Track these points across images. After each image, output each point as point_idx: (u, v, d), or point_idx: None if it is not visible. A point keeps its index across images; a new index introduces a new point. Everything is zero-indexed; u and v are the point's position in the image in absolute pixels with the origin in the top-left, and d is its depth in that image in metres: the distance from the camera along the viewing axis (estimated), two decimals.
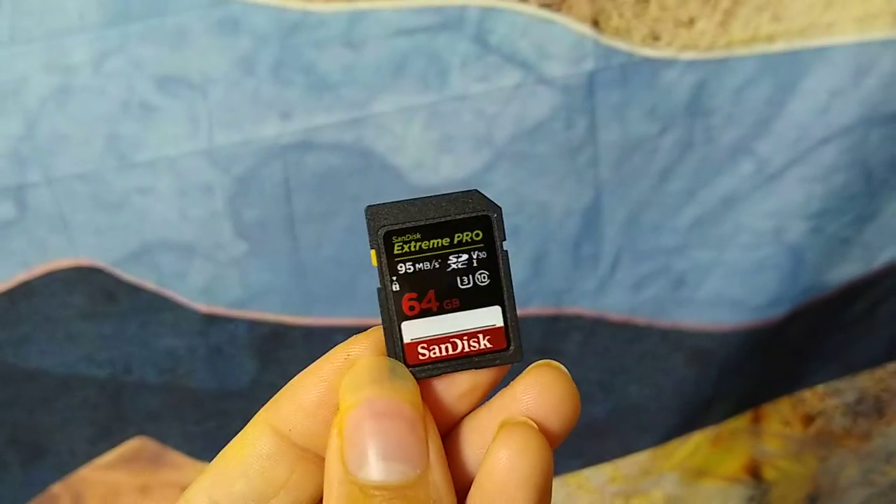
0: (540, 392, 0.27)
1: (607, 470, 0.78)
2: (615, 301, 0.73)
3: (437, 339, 0.28)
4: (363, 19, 0.65)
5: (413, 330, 0.28)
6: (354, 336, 0.28)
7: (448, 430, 0.29)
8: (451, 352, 0.28)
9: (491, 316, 0.28)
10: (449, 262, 0.28)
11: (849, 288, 0.75)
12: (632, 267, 0.72)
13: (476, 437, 0.28)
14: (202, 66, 0.64)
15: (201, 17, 0.63)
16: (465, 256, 0.28)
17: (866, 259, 0.74)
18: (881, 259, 0.74)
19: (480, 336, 0.28)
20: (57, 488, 0.73)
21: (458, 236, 0.28)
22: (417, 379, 0.27)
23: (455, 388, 0.28)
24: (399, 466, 0.25)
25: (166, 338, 0.70)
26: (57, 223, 0.67)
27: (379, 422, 0.25)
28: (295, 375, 0.28)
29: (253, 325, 0.71)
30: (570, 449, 0.77)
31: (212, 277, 0.69)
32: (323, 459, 0.26)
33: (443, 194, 0.28)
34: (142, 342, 0.70)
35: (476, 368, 0.28)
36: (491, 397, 0.28)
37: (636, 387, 0.76)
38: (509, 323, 0.28)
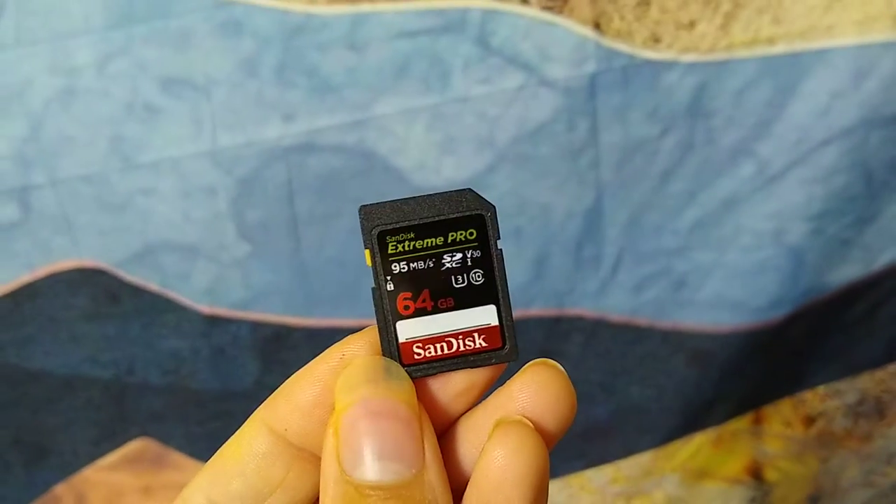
0: (536, 391, 0.27)
1: (609, 471, 0.78)
2: (616, 302, 0.73)
3: (433, 338, 0.28)
4: (366, 22, 0.65)
5: (408, 329, 0.28)
6: (349, 336, 0.28)
7: (444, 430, 0.29)
8: (446, 351, 0.28)
9: (486, 315, 0.28)
10: (443, 261, 0.28)
11: (849, 289, 0.75)
12: (633, 268, 0.72)
13: (472, 437, 0.28)
14: (206, 68, 0.65)
15: (205, 20, 0.64)
16: (459, 255, 0.28)
17: (867, 261, 0.74)
18: (881, 260, 0.74)
19: (476, 335, 0.28)
20: (60, 489, 0.73)
21: (452, 235, 0.28)
22: (413, 378, 0.27)
23: (451, 387, 0.28)
24: (394, 466, 0.25)
25: (169, 339, 0.70)
26: (61, 224, 0.67)
27: (374, 421, 0.25)
28: None
29: (256, 326, 0.71)
30: (572, 450, 0.77)
31: (215, 278, 0.69)
32: (319, 459, 0.27)
33: (436, 193, 0.28)
34: (145, 343, 0.70)
35: (471, 367, 0.28)
36: (487, 396, 0.28)
37: (637, 388, 0.76)
38: (504, 322, 0.28)
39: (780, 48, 0.67)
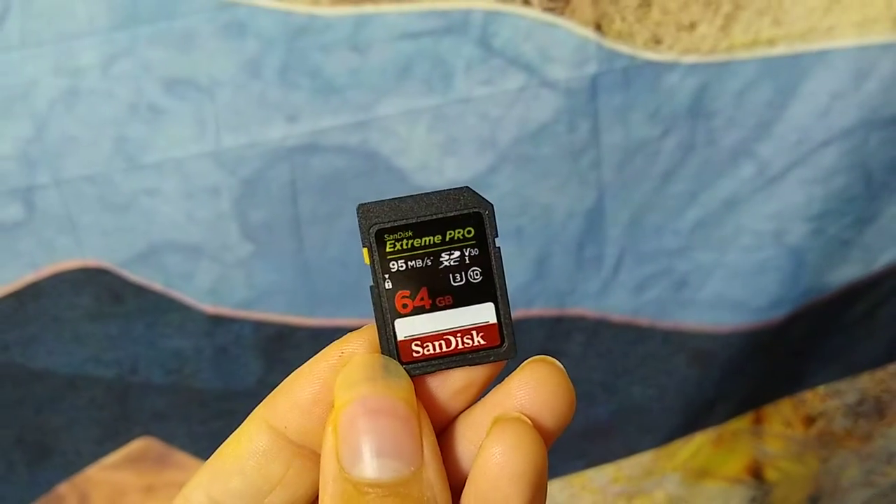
0: (534, 388, 0.27)
1: (610, 470, 0.78)
2: (618, 302, 0.74)
3: (431, 336, 0.28)
4: (369, 23, 0.65)
5: (406, 327, 0.28)
6: (348, 334, 0.28)
7: (444, 428, 0.29)
8: (444, 349, 0.28)
9: (484, 313, 0.28)
10: (441, 259, 0.28)
11: (849, 289, 0.75)
12: (634, 268, 0.72)
13: (471, 434, 0.28)
14: (209, 69, 0.65)
15: (209, 21, 0.64)
16: (457, 253, 0.28)
17: (866, 261, 0.74)
18: (881, 261, 0.74)
19: (474, 333, 0.28)
20: (63, 488, 0.74)
21: (450, 233, 0.28)
22: (411, 376, 0.27)
23: (449, 385, 0.28)
24: (393, 464, 0.25)
25: (172, 338, 0.71)
26: (65, 224, 0.67)
27: (373, 419, 0.26)
28: None
29: (259, 325, 0.71)
30: (573, 449, 0.77)
31: (218, 278, 0.69)
32: (319, 456, 0.27)
33: (434, 192, 0.28)
34: (148, 343, 0.70)
35: (470, 365, 0.28)
36: (486, 394, 0.28)
37: (639, 388, 0.76)
38: (503, 319, 0.28)
39: (780, 49, 0.67)
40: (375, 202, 0.28)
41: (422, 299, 0.28)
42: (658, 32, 0.67)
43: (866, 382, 0.79)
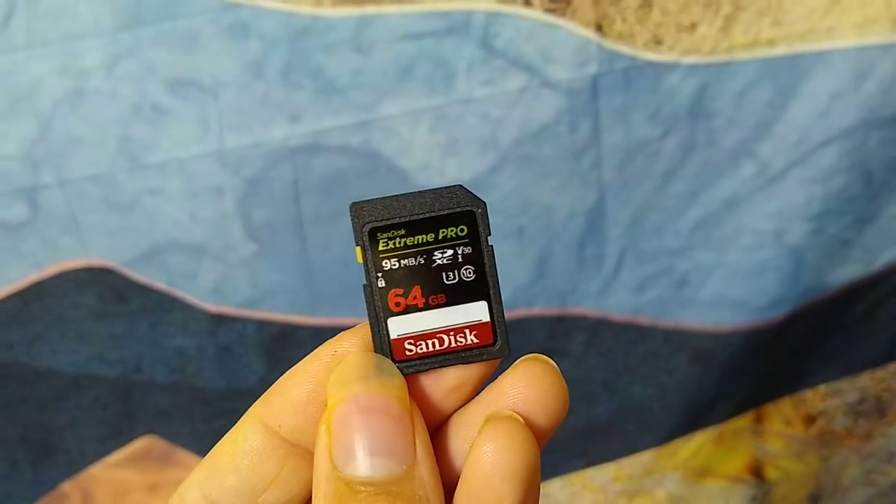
0: (527, 386, 0.27)
1: (611, 469, 0.78)
2: (619, 302, 0.74)
3: (424, 334, 0.28)
4: (371, 24, 0.65)
5: (399, 326, 0.28)
6: (342, 332, 0.28)
7: (437, 426, 0.29)
8: (437, 347, 0.28)
9: (477, 311, 0.28)
10: (434, 257, 0.28)
11: (849, 289, 0.75)
12: (635, 268, 0.72)
13: (465, 433, 0.28)
14: (213, 70, 0.65)
15: (212, 22, 0.64)
16: (450, 252, 0.28)
17: (866, 260, 0.74)
18: (881, 260, 0.74)
19: (467, 331, 0.28)
20: (67, 487, 0.74)
21: (443, 232, 0.28)
22: (404, 374, 0.27)
23: (443, 383, 0.28)
24: (385, 462, 0.25)
25: (176, 337, 0.71)
26: (69, 224, 0.67)
27: (365, 417, 0.25)
28: None
29: (261, 324, 0.71)
30: (574, 448, 0.77)
31: (221, 278, 0.70)
32: (312, 455, 0.27)
33: (427, 190, 0.28)
34: (152, 342, 0.71)
35: (463, 364, 0.28)
36: (480, 392, 0.28)
37: (639, 387, 0.76)
38: (496, 318, 0.28)
39: (780, 50, 0.67)
40: (368, 201, 0.28)
41: (415, 298, 0.28)
42: (658, 33, 0.67)
43: (867, 381, 0.79)
